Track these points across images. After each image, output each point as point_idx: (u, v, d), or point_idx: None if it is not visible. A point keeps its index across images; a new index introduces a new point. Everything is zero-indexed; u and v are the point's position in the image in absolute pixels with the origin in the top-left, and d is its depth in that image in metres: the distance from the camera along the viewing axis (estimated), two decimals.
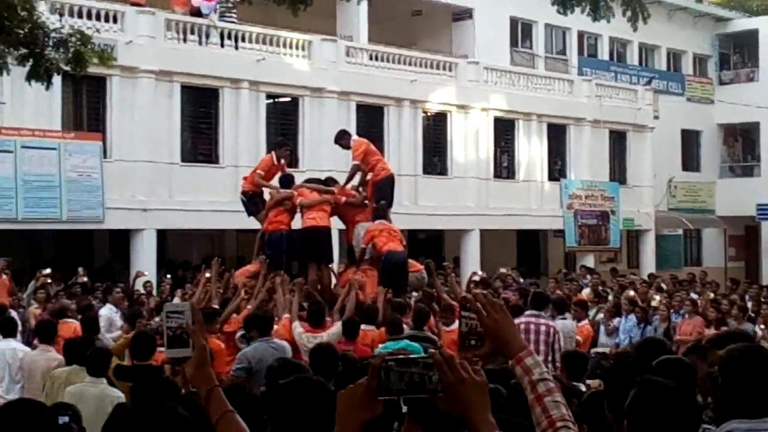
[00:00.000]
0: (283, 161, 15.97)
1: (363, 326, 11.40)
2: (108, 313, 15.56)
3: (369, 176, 15.43)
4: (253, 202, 15.73)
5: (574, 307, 15.21)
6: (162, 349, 3.73)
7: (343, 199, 15.23)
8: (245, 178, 16.29)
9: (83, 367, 9.19)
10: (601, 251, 34.12)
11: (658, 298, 19.33)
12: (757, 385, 3.90)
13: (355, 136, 16.44)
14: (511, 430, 3.36)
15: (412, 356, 2.64)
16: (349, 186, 15.65)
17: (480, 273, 21.78)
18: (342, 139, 16.19)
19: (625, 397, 3.88)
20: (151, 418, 2.70)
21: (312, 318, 11.46)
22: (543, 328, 11.95)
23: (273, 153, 16.16)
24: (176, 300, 15.64)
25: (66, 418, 5.57)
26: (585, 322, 15.07)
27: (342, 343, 10.45)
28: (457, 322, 3.19)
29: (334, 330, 11.21)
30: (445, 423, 2.76)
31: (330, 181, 15.63)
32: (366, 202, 15.29)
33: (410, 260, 15.10)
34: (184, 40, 24.31)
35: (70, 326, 12.55)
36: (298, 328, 11.33)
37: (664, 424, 3.74)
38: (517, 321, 12.13)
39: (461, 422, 2.70)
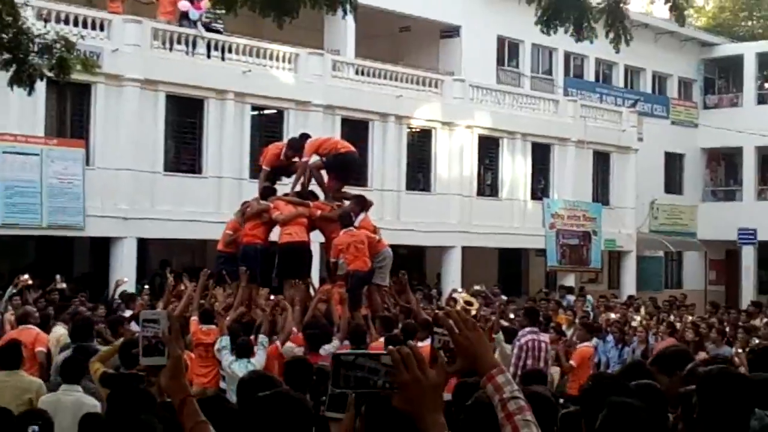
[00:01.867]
0: (291, 159, 15.75)
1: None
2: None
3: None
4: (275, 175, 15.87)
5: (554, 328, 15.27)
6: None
7: (318, 212, 15.11)
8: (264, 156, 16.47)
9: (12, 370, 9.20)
10: (583, 271, 34.14)
11: (638, 318, 19.37)
12: (732, 407, 3.91)
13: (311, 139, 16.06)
14: None
15: (364, 353, 2.74)
16: (299, 187, 15.55)
17: (460, 290, 21.77)
18: (303, 140, 15.94)
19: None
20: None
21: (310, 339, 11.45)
22: (544, 345, 12.19)
23: (284, 147, 16.01)
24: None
25: (36, 427, 5.52)
26: (588, 344, 15.14)
27: (311, 356, 10.46)
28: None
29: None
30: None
31: (309, 195, 15.56)
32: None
33: (378, 238, 15.09)
34: (171, 49, 24.27)
35: (31, 332, 12.47)
36: (290, 343, 11.42)
37: None
38: (524, 339, 12.25)
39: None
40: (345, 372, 2.70)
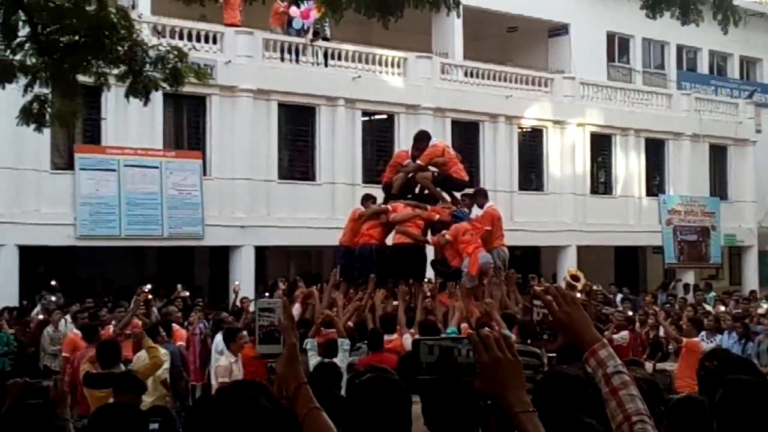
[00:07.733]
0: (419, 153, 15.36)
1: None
2: None
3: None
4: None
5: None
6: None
7: (437, 217, 14.98)
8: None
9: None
10: (702, 268, 33.48)
11: (765, 306, 18.97)
12: None
13: (434, 140, 15.75)
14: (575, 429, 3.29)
15: (443, 338, 2.76)
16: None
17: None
18: (422, 141, 15.62)
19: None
20: (234, 407, 2.77)
21: (423, 330, 11.46)
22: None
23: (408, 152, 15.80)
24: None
25: (156, 425, 5.68)
26: (696, 339, 15.01)
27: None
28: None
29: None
30: None
31: (428, 199, 15.44)
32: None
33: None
34: (282, 59, 24.68)
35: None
36: (408, 339, 11.44)
37: (755, 423, 3.67)
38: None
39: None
40: (425, 358, 2.70)
